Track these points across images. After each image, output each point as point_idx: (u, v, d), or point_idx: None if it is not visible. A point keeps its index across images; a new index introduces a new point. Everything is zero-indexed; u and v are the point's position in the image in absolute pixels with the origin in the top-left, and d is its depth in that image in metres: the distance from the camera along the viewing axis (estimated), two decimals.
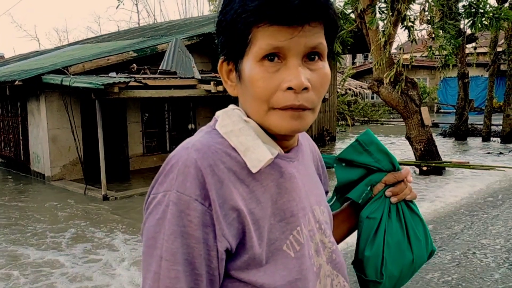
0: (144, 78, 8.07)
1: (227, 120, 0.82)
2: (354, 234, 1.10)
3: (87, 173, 8.86)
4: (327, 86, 0.80)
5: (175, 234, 0.71)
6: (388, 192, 1.01)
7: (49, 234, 5.86)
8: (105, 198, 7.59)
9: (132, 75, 8.26)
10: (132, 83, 7.54)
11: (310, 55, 0.77)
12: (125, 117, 9.92)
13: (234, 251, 0.75)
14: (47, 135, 8.95)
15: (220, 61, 0.83)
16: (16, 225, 6.34)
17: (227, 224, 0.73)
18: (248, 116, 0.83)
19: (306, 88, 0.75)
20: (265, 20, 0.73)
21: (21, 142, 10.14)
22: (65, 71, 8.32)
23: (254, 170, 0.77)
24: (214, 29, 0.83)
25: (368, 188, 1.02)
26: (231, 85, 0.83)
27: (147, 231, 0.74)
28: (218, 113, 0.85)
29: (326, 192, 1.07)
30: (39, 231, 6.01)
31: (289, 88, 0.74)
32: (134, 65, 8.99)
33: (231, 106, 0.86)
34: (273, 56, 0.75)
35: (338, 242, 1.07)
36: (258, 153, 0.78)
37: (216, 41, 0.83)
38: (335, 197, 1.10)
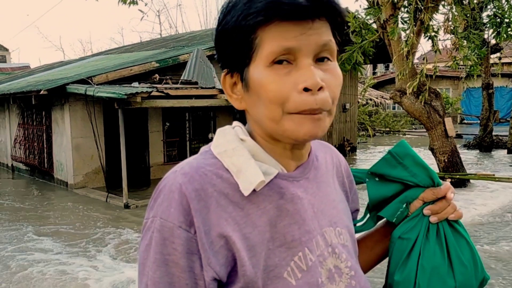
0: (166, 88, 8.15)
1: (221, 139, 0.78)
2: None
3: (109, 181, 8.97)
4: (340, 87, 0.75)
5: (157, 263, 0.69)
6: (426, 211, 0.89)
7: (75, 238, 5.94)
8: (127, 206, 7.66)
9: (154, 85, 8.36)
10: (154, 93, 7.62)
11: (321, 56, 0.72)
12: (146, 126, 10.03)
13: (225, 279, 0.70)
14: (70, 143, 9.11)
15: (223, 74, 0.78)
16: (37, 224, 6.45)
17: (214, 252, 0.69)
18: (250, 134, 0.79)
19: (321, 88, 0.70)
20: (275, 17, 0.68)
21: (45, 150, 10.33)
22: (89, 81, 8.48)
23: (245, 193, 0.73)
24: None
25: (404, 206, 0.92)
26: (236, 98, 0.77)
27: (139, 256, 0.73)
28: (217, 130, 0.81)
29: (357, 210, 1.00)
30: (62, 235, 6.09)
31: (306, 89, 0.69)
32: (156, 75, 9.11)
33: (234, 123, 0.82)
34: (282, 59, 0.70)
35: (373, 265, 1.00)
36: (250, 174, 0.73)
37: (215, 56, 0.78)
38: (368, 215, 0.98)
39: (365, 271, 0.95)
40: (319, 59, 0.72)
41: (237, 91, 0.77)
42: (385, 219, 0.97)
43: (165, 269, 0.68)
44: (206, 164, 0.74)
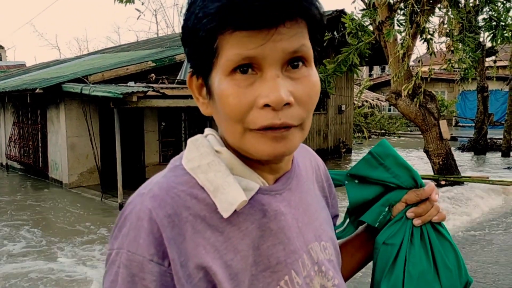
0: (162, 88, 8.15)
1: (194, 153, 0.68)
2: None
3: (104, 181, 8.95)
4: (316, 97, 0.65)
5: None
6: (409, 213, 0.85)
7: (66, 238, 5.92)
8: (121, 206, 7.64)
9: (150, 85, 8.36)
10: (150, 93, 7.62)
11: (293, 62, 0.62)
12: (142, 126, 10.02)
13: None
14: (65, 142, 9.08)
15: (188, 75, 0.69)
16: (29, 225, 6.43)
17: (192, 286, 0.61)
18: (225, 142, 0.70)
19: (288, 104, 0.61)
20: (228, 26, 0.59)
21: (40, 149, 10.29)
22: (85, 80, 8.46)
23: (225, 215, 0.64)
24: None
25: (386, 209, 0.86)
26: (203, 102, 0.69)
27: None
28: (188, 141, 0.72)
29: (336, 216, 0.92)
30: (54, 236, 6.07)
31: (267, 105, 0.60)
32: (153, 74, 9.10)
33: (206, 131, 0.73)
34: (246, 67, 0.61)
35: (354, 272, 0.94)
36: (229, 193, 0.64)
37: (184, 51, 0.69)
38: (347, 220, 0.92)
39: (346, 278, 0.91)
40: (292, 65, 0.63)
41: (204, 94, 0.69)
42: (364, 224, 0.92)
43: None
44: (178, 183, 0.65)
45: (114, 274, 0.62)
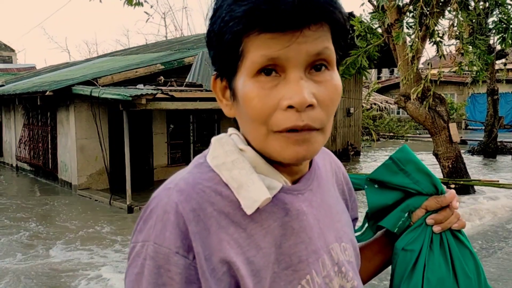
0: (170, 90, 8.18)
1: (219, 150, 0.70)
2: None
3: (112, 182, 8.99)
4: (337, 100, 0.66)
5: None
6: (429, 220, 0.85)
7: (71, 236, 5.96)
8: (130, 208, 7.68)
9: (159, 87, 8.39)
10: (159, 95, 7.64)
11: (316, 65, 0.64)
12: (150, 128, 10.06)
13: None
14: (75, 144, 9.14)
15: (212, 77, 0.72)
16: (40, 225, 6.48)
17: (216, 280, 0.61)
18: (247, 142, 0.71)
19: (311, 105, 0.62)
20: (255, 28, 0.61)
21: (49, 151, 10.37)
22: (95, 82, 8.52)
23: (248, 212, 0.65)
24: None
25: (406, 215, 0.87)
26: (226, 104, 0.72)
27: (127, 286, 0.64)
28: (212, 139, 0.74)
29: (356, 219, 0.93)
30: (64, 234, 6.11)
31: (290, 107, 0.62)
32: (161, 77, 9.13)
33: (229, 130, 0.75)
34: (269, 69, 0.63)
35: (371, 277, 0.95)
36: (253, 191, 0.65)
37: (209, 54, 0.70)
38: (366, 224, 0.93)
39: (363, 283, 0.91)
40: (315, 68, 0.64)
41: (227, 96, 0.71)
42: (383, 229, 0.92)
43: None
44: (203, 179, 0.67)
45: (140, 266, 0.62)
